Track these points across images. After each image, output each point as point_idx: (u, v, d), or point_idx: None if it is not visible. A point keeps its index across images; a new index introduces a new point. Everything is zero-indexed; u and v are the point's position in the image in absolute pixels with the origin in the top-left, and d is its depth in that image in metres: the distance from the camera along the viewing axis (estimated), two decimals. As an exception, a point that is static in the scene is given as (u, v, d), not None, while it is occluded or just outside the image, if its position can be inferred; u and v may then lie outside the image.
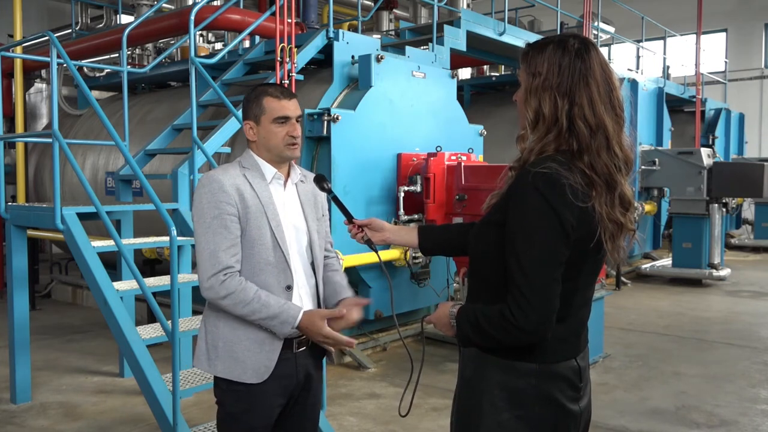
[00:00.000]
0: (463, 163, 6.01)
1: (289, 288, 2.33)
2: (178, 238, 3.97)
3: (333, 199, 2.37)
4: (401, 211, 6.10)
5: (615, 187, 1.72)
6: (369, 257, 5.75)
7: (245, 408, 2.31)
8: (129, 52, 9.78)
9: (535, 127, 1.77)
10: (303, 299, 2.39)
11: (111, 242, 4.61)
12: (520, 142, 1.82)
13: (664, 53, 13.58)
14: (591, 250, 1.71)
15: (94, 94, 8.96)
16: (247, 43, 8.57)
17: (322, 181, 2.42)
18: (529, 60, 1.79)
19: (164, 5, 9.24)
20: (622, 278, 9.91)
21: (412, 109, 6.62)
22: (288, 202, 2.41)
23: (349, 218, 2.29)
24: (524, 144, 1.79)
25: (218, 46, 11.47)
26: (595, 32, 11.49)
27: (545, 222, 1.64)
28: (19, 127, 8.62)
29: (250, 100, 2.39)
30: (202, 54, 9.22)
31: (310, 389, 2.46)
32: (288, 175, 2.44)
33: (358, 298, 2.41)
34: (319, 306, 2.47)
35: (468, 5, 9.94)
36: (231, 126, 5.66)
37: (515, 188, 1.70)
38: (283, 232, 2.33)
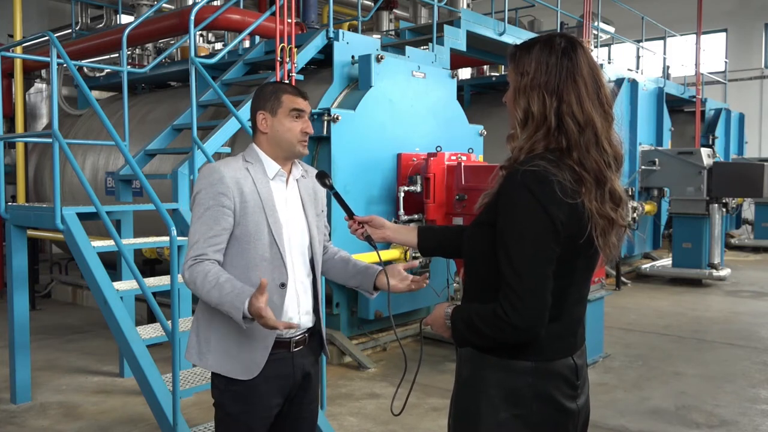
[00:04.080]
0: (462, 163, 6.01)
1: (283, 285, 2.32)
2: (178, 238, 3.97)
3: (334, 195, 2.37)
4: (401, 211, 6.10)
5: (605, 183, 1.73)
6: (369, 257, 5.73)
7: (243, 408, 2.31)
8: (129, 52, 9.78)
9: (524, 126, 1.78)
10: (299, 296, 2.38)
11: (111, 242, 4.61)
12: (510, 141, 1.83)
13: (664, 53, 13.58)
14: (582, 246, 1.71)
15: (94, 94, 8.96)
16: (247, 43, 8.57)
17: (324, 177, 2.42)
18: (517, 60, 1.81)
19: (164, 5, 9.24)
20: (622, 278, 9.91)
21: (412, 109, 6.62)
22: (290, 199, 2.40)
23: (350, 214, 2.30)
24: (514, 143, 1.80)
25: (218, 46, 11.47)
26: (595, 32, 11.49)
27: (535, 219, 1.65)
28: (19, 127, 8.62)
29: (266, 92, 2.39)
30: (202, 54, 9.22)
31: (308, 388, 2.46)
32: (290, 171, 2.44)
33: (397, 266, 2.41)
34: (316, 303, 2.46)
35: (468, 5, 9.93)
36: (231, 126, 5.66)
37: (505, 187, 1.71)
38: (281, 229, 2.33)
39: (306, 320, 2.41)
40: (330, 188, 2.40)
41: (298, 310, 2.37)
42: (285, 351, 2.34)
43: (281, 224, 2.33)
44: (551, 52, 1.75)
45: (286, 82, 2.44)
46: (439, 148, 6.10)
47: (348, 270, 2.52)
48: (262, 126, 2.38)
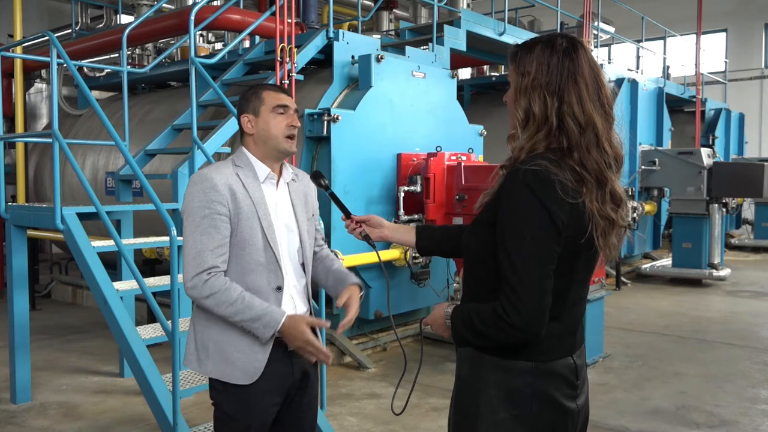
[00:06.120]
0: (463, 163, 6.01)
1: (279, 289, 2.32)
2: (178, 238, 3.96)
3: (330, 195, 2.37)
4: (401, 211, 6.10)
5: (605, 184, 1.73)
6: (369, 257, 5.75)
7: (241, 408, 2.30)
8: (129, 52, 9.78)
9: (525, 126, 1.78)
10: (294, 299, 2.39)
11: (111, 242, 4.61)
12: (510, 141, 1.83)
13: (664, 53, 13.58)
14: (583, 246, 1.71)
15: (94, 94, 8.96)
16: (247, 43, 8.57)
17: (319, 177, 2.41)
18: (518, 60, 1.81)
19: (164, 5, 9.24)
20: (622, 278, 9.91)
21: (412, 109, 6.62)
22: (280, 202, 2.40)
23: (347, 214, 2.29)
24: (515, 143, 1.80)
25: (218, 46, 11.48)
26: (595, 32, 11.49)
27: (535, 218, 1.65)
28: (19, 127, 8.63)
29: (248, 94, 2.41)
30: (202, 54, 9.22)
31: (307, 387, 2.46)
32: (280, 174, 2.43)
33: (356, 288, 2.41)
34: (309, 305, 2.48)
35: (468, 5, 9.93)
36: (231, 126, 5.66)
37: (506, 186, 1.71)
38: (275, 233, 2.32)
39: None
40: (326, 188, 2.40)
41: (294, 313, 2.37)
42: (283, 350, 2.34)
43: (274, 228, 2.33)
44: (553, 52, 1.75)
45: (270, 83, 2.46)
46: (439, 148, 6.10)
47: (328, 278, 2.51)
48: (248, 128, 2.38)
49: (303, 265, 2.44)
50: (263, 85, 2.43)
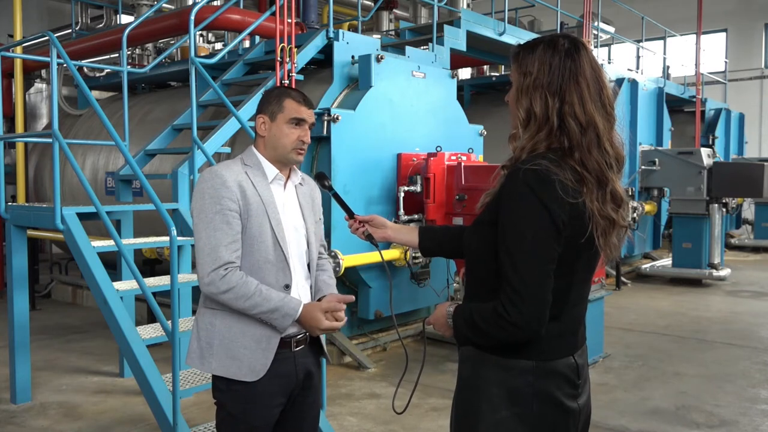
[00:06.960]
0: (463, 163, 6.00)
1: (288, 287, 2.34)
2: (178, 238, 3.97)
3: (334, 195, 2.39)
4: (401, 211, 6.10)
5: (606, 184, 1.73)
6: (369, 257, 5.75)
7: (246, 408, 2.30)
8: (129, 52, 9.78)
9: (526, 126, 1.78)
10: (301, 298, 2.39)
11: (111, 242, 4.61)
12: (512, 141, 1.84)
13: (664, 53, 13.58)
14: (583, 246, 1.72)
15: (94, 94, 8.95)
16: (247, 43, 8.57)
17: (322, 179, 2.42)
18: (520, 60, 1.81)
19: (164, 5, 9.24)
20: (622, 278, 9.91)
21: (412, 109, 6.62)
22: (288, 203, 2.41)
23: (350, 214, 2.31)
24: (516, 143, 1.81)
25: (218, 46, 11.48)
26: (595, 32, 11.49)
27: (536, 218, 1.65)
28: (19, 127, 8.63)
29: (271, 95, 2.40)
30: (202, 54, 9.22)
31: (310, 387, 2.47)
32: (288, 176, 2.45)
33: (341, 295, 2.42)
34: None
35: (468, 5, 9.93)
36: (231, 126, 5.66)
37: (506, 186, 1.71)
38: (284, 231, 2.34)
39: None
40: (329, 189, 2.42)
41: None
42: (287, 350, 2.35)
43: (283, 227, 2.34)
44: (554, 52, 1.75)
45: (295, 89, 2.42)
46: (439, 148, 6.10)
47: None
48: (261, 129, 2.39)
49: (308, 265, 2.46)
50: (288, 90, 2.41)
